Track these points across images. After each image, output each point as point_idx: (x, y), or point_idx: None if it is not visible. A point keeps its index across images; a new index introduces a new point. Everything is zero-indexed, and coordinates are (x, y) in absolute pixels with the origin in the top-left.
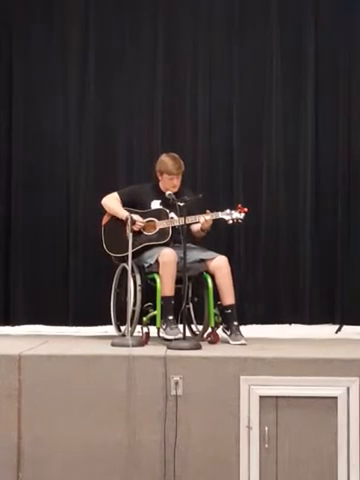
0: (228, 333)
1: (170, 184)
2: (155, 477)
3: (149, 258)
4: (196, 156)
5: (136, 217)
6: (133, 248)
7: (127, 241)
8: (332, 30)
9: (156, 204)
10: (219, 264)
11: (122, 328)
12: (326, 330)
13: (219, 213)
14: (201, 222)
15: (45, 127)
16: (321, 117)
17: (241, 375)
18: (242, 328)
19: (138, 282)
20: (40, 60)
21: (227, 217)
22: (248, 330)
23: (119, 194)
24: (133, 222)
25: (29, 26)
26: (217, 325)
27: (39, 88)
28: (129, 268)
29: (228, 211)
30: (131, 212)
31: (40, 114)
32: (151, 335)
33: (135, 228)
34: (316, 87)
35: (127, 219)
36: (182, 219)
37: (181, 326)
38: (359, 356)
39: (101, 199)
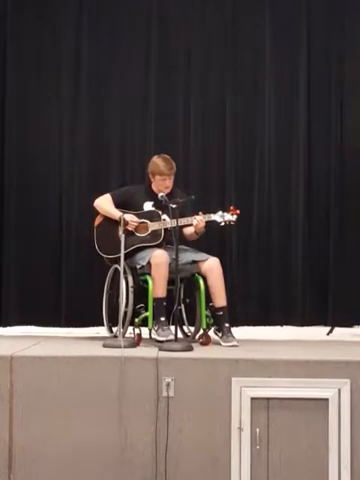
0: (220, 335)
1: (162, 185)
2: (146, 478)
3: (141, 259)
4: (188, 158)
5: (129, 217)
6: (125, 249)
7: (119, 242)
8: (324, 30)
9: (148, 205)
10: (211, 266)
11: (114, 329)
12: (318, 332)
13: (211, 215)
14: (194, 224)
15: (37, 127)
16: (314, 118)
17: (233, 377)
18: (234, 330)
19: (130, 283)
20: (33, 61)
21: (219, 219)
22: (240, 332)
23: (112, 195)
24: (126, 222)
25: (22, 29)
26: (209, 327)
27: (32, 88)
28: (121, 269)
29: (220, 213)
30: (124, 213)
31: (32, 114)
32: (143, 336)
33: (129, 228)
34: (308, 88)
35: (120, 219)
36: (174, 221)
37: (173, 327)
38: (350, 358)
39: (94, 200)
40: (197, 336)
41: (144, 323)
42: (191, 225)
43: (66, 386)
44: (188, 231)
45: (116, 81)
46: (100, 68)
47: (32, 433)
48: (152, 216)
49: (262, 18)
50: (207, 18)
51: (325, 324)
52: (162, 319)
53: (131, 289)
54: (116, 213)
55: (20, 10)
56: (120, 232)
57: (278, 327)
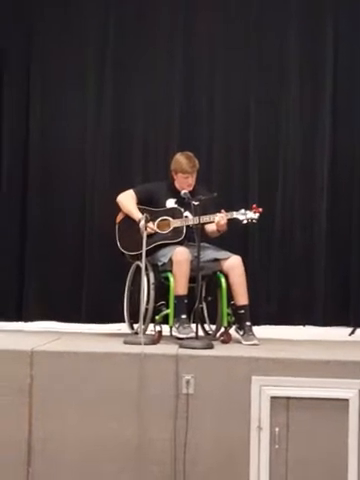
0: (241, 333)
1: (185, 183)
2: (165, 475)
3: (163, 256)
4: (211, 155)
5: (149, 224)
6: (147, 246)
7: (141, 239)
8: (351, 29)
9: (171, 203)
10: (233, 264)
11: (135, 326)
12: (340, 332)
13: (234, 213)
14: (216, 222)
15: (61, 125)
16: (339, 115)
17: (252, 375)
18: (255, 328)
19: (151, 280)
20: (57, 60)
21: (242, 217)
22: (261, 331)
23: (135, 191)
24: (147, 220)
25: (48, 28)
26: (230, 325)
27: (56, 86)
28: (143, 266)
29: (243, 211)
30: (145, 211)
31: (56, 112)
32: (163, 334)
33: (147, 232)
34: (334, 86)
35: (140, 221)
36: (196, 218)
37: (194, 325)
38: None
39: (117, 196)
40: (218, 334)
41: (165, 320)
42: (213, 222)
43: (86, 382)
44: (210, 229)
45: (140, 78)
46: (125, 65)
47: (51, 428)
48: (174, 213)
49: (288, 18)
50: (232, 19)
51: (347, 325)
52: (183, 317)
53: (152, 286)
54: (136, 214)
55: (45, 8)
56: (141, 232)
57: (300, 327)
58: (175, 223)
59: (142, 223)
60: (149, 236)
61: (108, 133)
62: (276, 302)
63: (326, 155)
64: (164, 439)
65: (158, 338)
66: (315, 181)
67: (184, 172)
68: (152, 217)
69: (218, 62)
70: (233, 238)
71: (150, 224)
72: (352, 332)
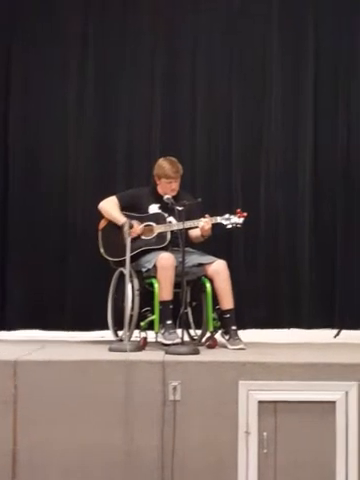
0: (226, 338)
1: (168, 188)
2: None
3: (147, 262)
4: (195, 160)
5: (133, 222)
6: (131, 252)
7: (125, 245)
8: (332, 33)
9: (154, 208)
10: (218, 268)
11: (120, 333)
12: (325, 334)
13: (218, 218)
14: (200, 227)
15: (43, 130)
16: (320, 121)
17: (239, 380)
18: (241, 333)
19: (136, 287)
20: (38, 61)
21: (226, 222)
22: (247, 335)
23: (118, 197)
24: (131, 226)
25: (30, 23)
26: (216, 330)
27: (37, 90)
28: (127, 273)
29: (227, 216)
30: (129, 217)
31: (38, 117)
32: (149, 340)
33: (132, 235)
34: (315, 89)
35: (124, 225)
36: (180, 223)
37: (179, 331)
38: (358, 360)
39: (99, 202)
40: (204, 339)
41: (150, 326)
42: (197, 228)
43: (71, 390)
44: (194, 234)
45: (123, 83)
46: (107, 70)
47: (36, 438)
48: (158, 219)
49: (269, 23)
50: (213, 24)
51: (332, 327)
52: (168, 322)
53: (137, 292)
54: (120, 218)
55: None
56: (125, 237)
57: (285, 330)
58: (159, 228)
59: (126, 228)
60: (133, 242)
61: (90, 139)
62: (261, 306)
63: (309, 158)
64: (152, 446)
65: (143, 344)
66: (298, 184)
67: (167, 177)
68: (136, 223)
69: (200, 66)
70: (217, 243)
71: (135, 225)
72: (337, 334)
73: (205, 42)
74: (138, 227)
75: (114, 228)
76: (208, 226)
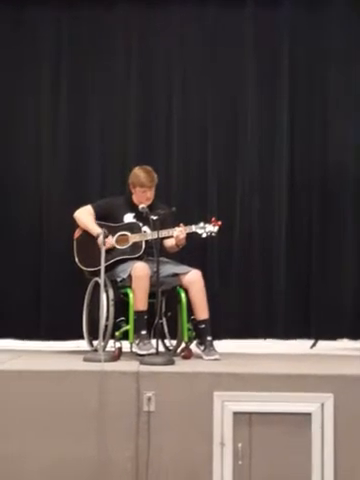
0: (202, 348)
1: (143, 197)
2: None
3: (122, 272)
4: (170, 169)
5: (107, 239)
6: (106, 262)
7: (99, 255)
8: (307, 50)
9: (129, 217)
10: (193, 278)
11: (94, 343)
12: (301, 345)
13: (193, 226)
14: (175, 236)
15: (16, 138)
16: (296, 130)
17: (214, 391)
18: (216, 343)
19: (111, 296)
20: (10, 67)
21: (201, 231)
22: (222, 345)
23: (93, 207)
24: (106, 236)
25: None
26: (191, 340)
27: (10, 97)
28: (102, 282)
29: (202, 224)
30: (103, 226)
31: (11, 126)
32: (124, 350)
33: (105, 246)
34: (291, 100)
35: (98, 236)
36: (155, 233)
37: (154, 341)
38: (334, 372)
39: (74, 212)
40: (179, 350)
41: (125, 336)
42: (172, 237)
43: (45, 401)
44: (169, 243)
45: (97, 91)
46: (81, 77)
47: (10, 449)
48: (133, 228)
49: (243, 33)
50: (188, 34)
51: (308, 337)
52: (143, 332)
53: (111, 302)
54: (95, 229)
55: None
56: (100, 247)
57: (261, 340)
58: (134, 238)
59: (100, 238)
60: (107, 252)
61: (64, 147)
62: (237, 316)
63: (284, 168)
64: (126, 458)
65: (118, 355)
66: (273, 194)
67: (142, 186)
68: (110, 232)
69: (175, 75)
70: (192, 252)
71: (109, 238)
72: (313, 345)
73: (181, 50)
74: (112, 239)
75: (89, 238)
76: (183, 235)
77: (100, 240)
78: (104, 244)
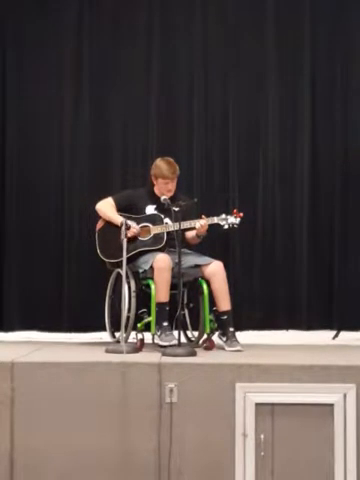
0: (224, 339)
1: (165, 189)
2: None
3: (144, 264)
4: (191, 160)
5: (131, 223)
6: (128, 253)
7: (121, 246)
8: (329, 29)
9: (151, 209)
10: (215, 269)
11: (116, 334)
12: (323, 336)
13: (214, 218)
14: (196, 227)
15: (40, 130)
16: (318, 120)
17: (237, 382)
18: (238, 334)
19: (132, 288)
20: (33, 64)
21: (222, 222)
22: (244, 336)
23: (114, 199)
24: (128, 227)
25: (23, 30)
26: (213, 331)
27: (32, 91)
28: (124, 274)
29: (223, 216)
30: (125, 217)
31: (34, 118)
32: (146, 341)
33: (129, 234)
34: (312, 89)
35: (122, 225)
36: (177, 224)
37: (176, 332)
38: (356, 362)
39: (96, 204)
40: (201, 341)
41: (147, 328)
42: (194, 228)
43: (68, 392)
44: (190, 235)
45: (118, 83)
46: (102, 69)
47: (33, 440)
48: (154, 220)
49: (265, 20)
50: (209, 21)
51: (331, 328)
52: (165, 324)
53: (133, 294)
54: (117, 218)
55: (21, 11)
56: (122, 236)
57: (283, 331)
58: (155, 230)
59: (123, 228)
60: (129, 243)
61: (86, 140)
62: (259, 307)
63: (306, 158)
64: (148, 449)
65: (140, 346)
66: (296, 184)
67: (164, 178)
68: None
69: (196, 65)
70: (214, 243)
71: (134, 224)
72: (336, 335)
73: (202, 42)
74: (136, 227)
75: (111, 229)
76: (205, 227)
77: (123, 229)
78: (126, 234)
